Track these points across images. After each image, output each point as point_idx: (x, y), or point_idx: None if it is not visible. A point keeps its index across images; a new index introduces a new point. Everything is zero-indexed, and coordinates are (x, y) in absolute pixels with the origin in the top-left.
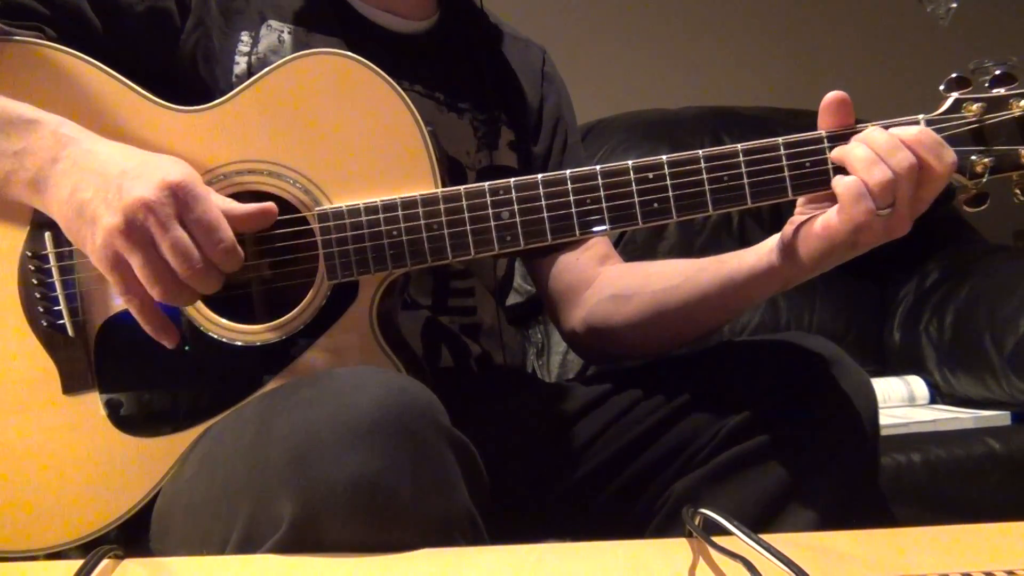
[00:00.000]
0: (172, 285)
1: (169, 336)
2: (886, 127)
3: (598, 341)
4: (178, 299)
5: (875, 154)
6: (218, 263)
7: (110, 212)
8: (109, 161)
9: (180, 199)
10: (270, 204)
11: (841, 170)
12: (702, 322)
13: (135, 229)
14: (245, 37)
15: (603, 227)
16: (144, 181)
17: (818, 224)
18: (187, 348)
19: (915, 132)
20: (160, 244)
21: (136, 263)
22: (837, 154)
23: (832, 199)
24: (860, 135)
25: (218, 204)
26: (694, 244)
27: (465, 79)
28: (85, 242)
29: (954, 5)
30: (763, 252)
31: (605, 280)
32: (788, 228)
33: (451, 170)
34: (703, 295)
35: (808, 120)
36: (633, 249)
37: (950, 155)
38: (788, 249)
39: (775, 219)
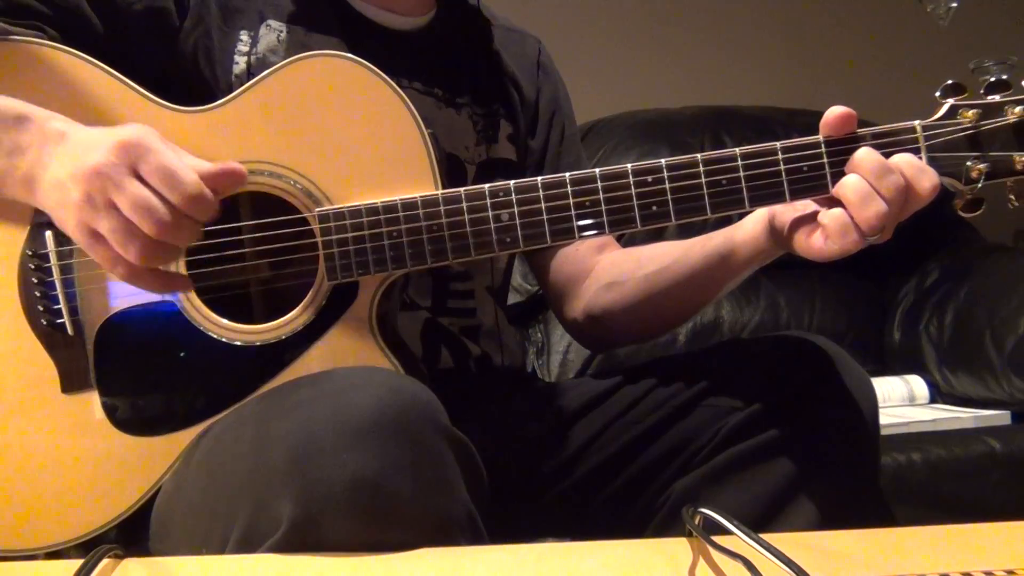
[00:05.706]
0: (146, 245)
1: (180, 285)
2: (878, 135)
3: (598, 329)
4: (157, 259)
5: (869, 185)
6: (186, 210)
7: (74, 188)
8: (80, 142)
9: (132, 155)
10: (238, 165)
11: (840, 176)
12: (692, 299)
13: (94, 197)
14: (244, 36)
15: (602, 230)
16: (96, 148)
17: (802, 241)
18: (183, 354)
19: (899, 159)
20: (120, 206)
21: (105, 231)
22: (835, 190)
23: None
24: (851, 161)
25: (185, 161)
26: None
27: (463, 73)
28: (67, 227)
29: (954, 5)
30: (748, 229)
31: (602, 268)
32: (781, 215)
33: (450, 167)
34: (691, 273)
35: (807, 120)
36: None
37: (933, 177)
38: (777, 235)
39: None
